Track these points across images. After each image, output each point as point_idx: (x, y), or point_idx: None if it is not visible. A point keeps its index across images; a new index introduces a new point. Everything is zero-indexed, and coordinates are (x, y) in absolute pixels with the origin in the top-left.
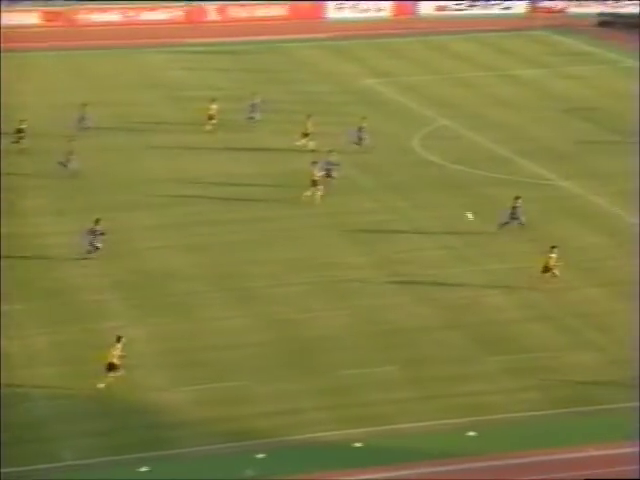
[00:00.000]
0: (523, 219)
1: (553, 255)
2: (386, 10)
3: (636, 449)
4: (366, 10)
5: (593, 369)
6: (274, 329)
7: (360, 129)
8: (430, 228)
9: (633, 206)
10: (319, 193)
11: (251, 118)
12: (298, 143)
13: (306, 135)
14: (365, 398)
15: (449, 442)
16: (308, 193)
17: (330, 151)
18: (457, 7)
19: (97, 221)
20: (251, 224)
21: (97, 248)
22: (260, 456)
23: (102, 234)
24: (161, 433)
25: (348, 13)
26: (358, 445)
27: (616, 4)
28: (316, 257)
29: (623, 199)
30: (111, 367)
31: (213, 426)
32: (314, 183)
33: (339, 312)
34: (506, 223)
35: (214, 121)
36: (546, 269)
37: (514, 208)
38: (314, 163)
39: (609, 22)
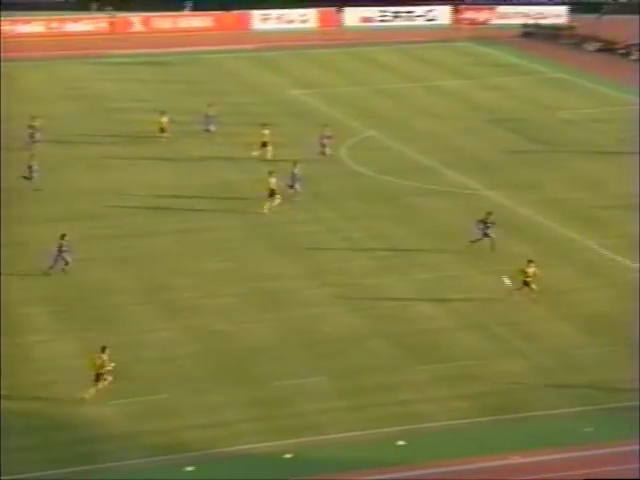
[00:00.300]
0: (494, 236)
1: (531, 269)
2: (311, 21)
3: (558, 455)
4: (291, 21)
5: (520, 377)
6: (204, 341)
7: (325, 137)
8: (359, 238)
9: (556, 215)
10: (277, 202)
11: (207, 130)
12: (255, 153)
13: (264, 145)
14: (296, 409)
15: (379, 451)
16: (267, 204)
17: (295, 162)
18: (382, 18)
19: (63, 236)
20: (181, 235)
21: (67, 263)
22: (189, 469)
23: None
24: (90, 447)
25: (273, 24)
26: (289, 456)
27: (539, 15)
28: (246, 268)
29: (547, 208)
30: (98, 377)
31: (143, 439)
32: (272, 193)
33: (269, 323)
34: (478, 240)
35: (166, 133)
36: (525, 283)
37: (486, 224)
38: (271, 173)
39: (532, 33)
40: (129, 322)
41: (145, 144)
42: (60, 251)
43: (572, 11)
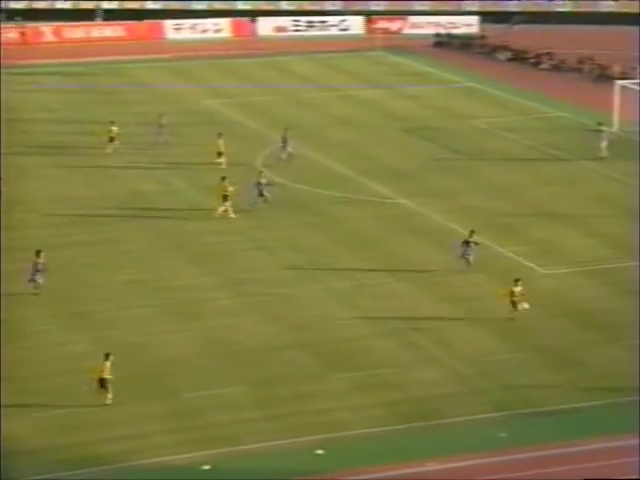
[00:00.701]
0: (471, 258)
1: (518, 288)
2: (225, 31)
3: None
4: (205, 31)
5: (435, 384)
6: (116, 353)
7: (284, 139)
8: (275, 247)
9: (470, 223)
10: (227, 207)
11: (157, 141)
12: (216, 161)
13: (220, 154)
14: (212, 420)
15: (297, 461)
16: (221, 208)
17: (260, 172)
18: (295, 28)
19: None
20: (92, 247)
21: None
22: None
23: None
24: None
25: (187, 34)
26: (206, 467)
27: (450, 25)
28: (161, 279)
29: (461, 216)
30: (102, 383)
31: (54, 454)
32: (225, 198)
33: (185, 334)
34: (463, 256)
35: (116, 142)
36: (514, 303)
37: (467, 244)
38: (223, 178)
39: (444, 43)
40: (38, 335)
41: (54, 154)
42: (36, 270)
43: (483, 21)
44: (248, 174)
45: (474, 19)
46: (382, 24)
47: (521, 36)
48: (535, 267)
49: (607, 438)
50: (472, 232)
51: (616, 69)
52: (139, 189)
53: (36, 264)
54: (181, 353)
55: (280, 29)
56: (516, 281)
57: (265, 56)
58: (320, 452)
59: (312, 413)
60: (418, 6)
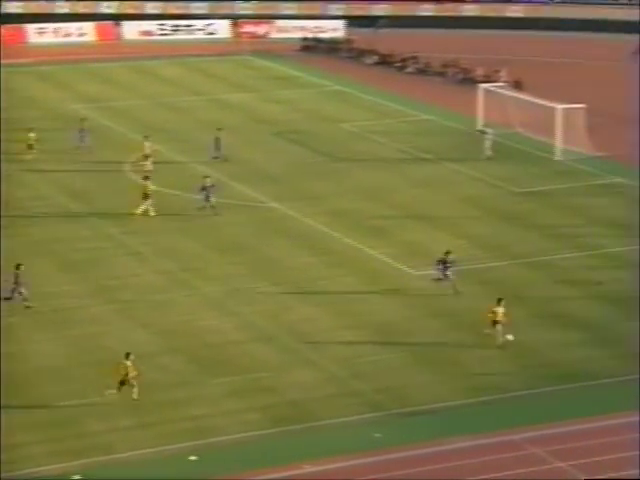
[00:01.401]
0: (454, 277)
1: (500, 309)
2: (89, 35)
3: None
4: (69, 35)
5: (310, 386)
6: None
7: (216, 140)
8: (145, 253)
9: (341, 225)
10: (148, 206)
11: (80, 146)
12: (141, 163)
13: (146, 157)
14: (83, 429)
15: (171, 468)
16: (142, 207)
17: (205, 177)
18: (161, 32)
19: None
20: None
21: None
22: None
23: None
24: None
25: (50, 38)
26: (77, 477)
27: (317, 29)
28: (29, 286)
29: (332, 219)
30: (123, 384)
31: None
32: (145, 197)
33: (54, 342)
34: (439, 279)
35: (34, 150)
36: (495, 322)
37: (445, 264)
38: (146, 178)
39: (311, 47)
40: None
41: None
42: (17, 283)
43: (349, 25)
44: (116, 180)
45: (340, 23)
46: (249, 28)
47: (387, 40)
48: (406, 269)
49: (478, 436)
50: (448, 252)
51: (479, 73)
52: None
53: (17, 276)
54: (52, 362)
55: (146, 33)
56: (499, 300)
57: (131, 60)
58: (193, 458)
59: (186, 419)
60: (284, 10)
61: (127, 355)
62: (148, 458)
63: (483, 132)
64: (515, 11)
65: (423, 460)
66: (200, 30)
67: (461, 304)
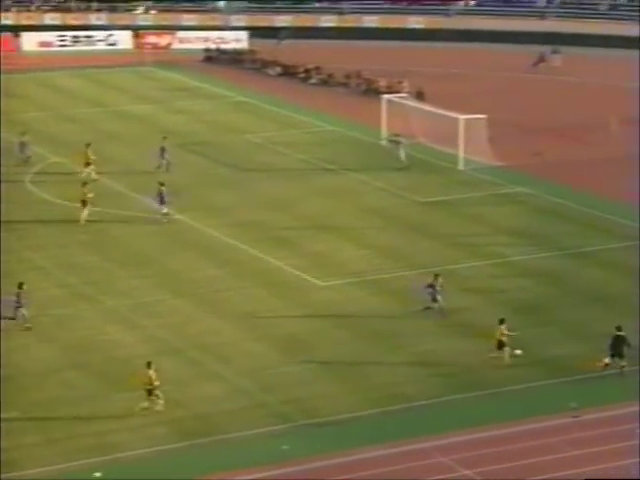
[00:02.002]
0: (444, 304)
1: (503, 328)
2: None
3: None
4: None
5: (217, 399)
6: None
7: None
8: (47, 267)
9: (247, 237)
10: (86, 212)
11: (26, 158)
12: (83, 174)
13: (88, 164)
14: None
15: None
16: (84, 214)
17: (161, 184)
18: (61, 43)
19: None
20: None
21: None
22: None
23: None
24: None
25: None
26: (97, 475)
27: (220, 40)
28: None
29: (238, 230)
30: (150, 393)
31: None
32: (84, 203)
33: None
34: (428, 308)
35: None
36: (500, 344)
37: (434, 288)
38: (85, 184)
39: (214, 58)
40: None
41: None
42: (18, 303)
43: (252, 36)
44: (16, 192)
45: (243, 34)
46: (151, 39)
47: (290, 51)
48: (312, 279)
49: (385, 445)
50: (437, 276)
51: (382, 84)
52: None
53: (19, 295)
54: None
55: (45, 44)
56: (501, 321)
57: (30, 71)
58: (98, 475)
59: (91, 435)
60: (186, 21)
61: (148, 364)
62: (53, 475)
63: (396, 142)
64: (416, 22)
65: (331, 471)
66: (101, 41)
67: (368, 314)
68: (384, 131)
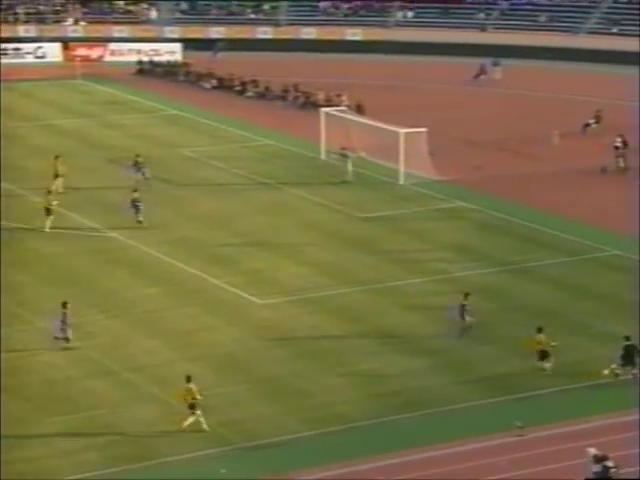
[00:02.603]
0: (472, 319)
1: (542, 337)
2: None
3: None
4: None
5: (151, 422)
6: None
7: (137, 162)
8: None
9: (184, 254)
10: (50, 221)
11: None
12: (53, 187)
13: (57, 176)
14: None
15: None
16: (48, 223)
17: (134, 190)
18: None
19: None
20: None
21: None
22: None
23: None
24: None
25: None
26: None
27: (153, 52)
28: None
29: (174, 247)
30: (192, 407)
31: None
32: (48, 212)
33: None
34: (463, 329)
35: None
36: (542, 353)
37: (464, 308)
38: (49, 192)
39: (147, 70)
40: None
41: None
42: (64, 323)
43: (186, 48)
44: None
45: (177, 46)
46: (81, 51)
47: (225, 64)
48: (251, 298)
49: (324, 467)
50: (467, 295)
51: (320, 97)
52: None
53: (64, 316)
54: None
55: None
56: (539, 330)
57: None
58: (224, 471)
59: (21, 461)
60: (117, 33)
61: (188, 378)
62: None
63: (344, 155)
64: (354, 34)
65: None
66: (29, 54)
67: (308, 333)
68: (323, 145)
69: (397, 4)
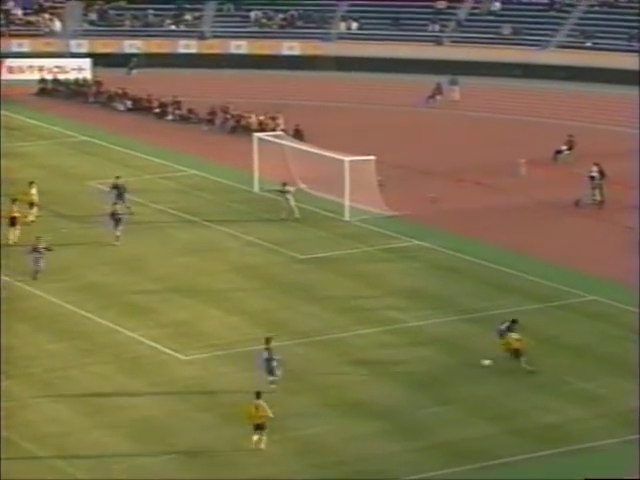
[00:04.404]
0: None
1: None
2: None
3: None
4: None
5: None
6: None
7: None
8: None
9: (93, 303)
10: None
11: None
12: (30, 217)
13: (32, 205)
14: None
15: None
16: (10, 234)
17: (114, 204)
18: None
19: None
20: None
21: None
22: None
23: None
24: None
25: None
26: None
27: (58, 70)
28: None
29: (83, 295)
30: (259, 427)
31: None
32: (13, 222)
33: None
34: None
35: None
36: (515, 351)
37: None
38: (14, 201)
39: (51, 90)
40: None
41: None
42: (271, 358)
43: (96, 64)
44: None
45: (85, 62)
46: None
47: (142, 82)
48: (172, 353)
49: None
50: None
51: (253, 120)
52: None
53: (269, 351)
54: None
55: None
56: (511, 324)
57: None
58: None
59: None
60: (16, 47)
61: (258, 394)
62: None
63: (284, 192)
64: (290, 48)
65: None
66: None
67: (237, 393)
68: (257, 176)
69: (339, 14)
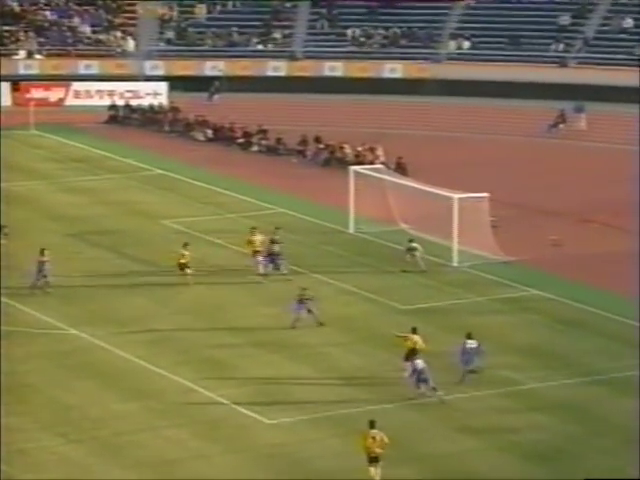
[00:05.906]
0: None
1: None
2: None
3: None
4: None
5: None
6: None
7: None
8: None
9: (167, 358)
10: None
11: None
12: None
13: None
14: None
15: None
16: None
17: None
18: None
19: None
20: None
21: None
22: None
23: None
24: None
25: None
26: None
27: (131, 95)
28: None
29: (156, 349)
30: (374, 460)
31: None
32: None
33: None
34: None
35: None
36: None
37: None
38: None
39: (123, 117)
40: None
41: None
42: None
43: (173, 88)
44: None
45: (161, 86)
46: (37, 93)
47: (225, 109)
48: (256, 416)
49: None
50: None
51: (349, 151)
52: None
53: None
54: None
55: None
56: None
57: None
58: None
59: None
60: (84, 69)
61: (372, 423)
62: None
63: (412, 249)
64: (392, 70)
65: None
66: None
67: (329, 462)
68: (352, 214)
69: (449, 31)
